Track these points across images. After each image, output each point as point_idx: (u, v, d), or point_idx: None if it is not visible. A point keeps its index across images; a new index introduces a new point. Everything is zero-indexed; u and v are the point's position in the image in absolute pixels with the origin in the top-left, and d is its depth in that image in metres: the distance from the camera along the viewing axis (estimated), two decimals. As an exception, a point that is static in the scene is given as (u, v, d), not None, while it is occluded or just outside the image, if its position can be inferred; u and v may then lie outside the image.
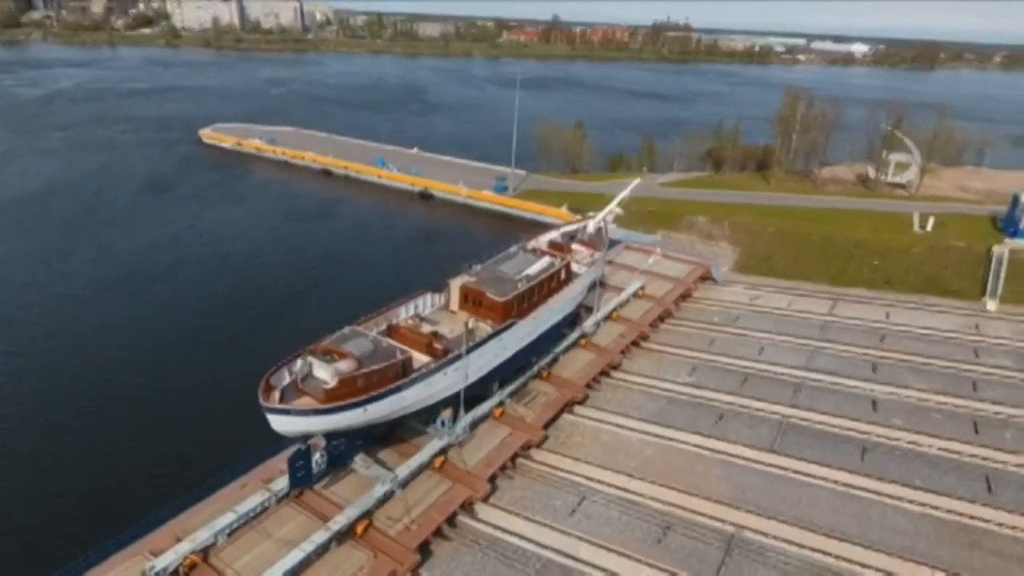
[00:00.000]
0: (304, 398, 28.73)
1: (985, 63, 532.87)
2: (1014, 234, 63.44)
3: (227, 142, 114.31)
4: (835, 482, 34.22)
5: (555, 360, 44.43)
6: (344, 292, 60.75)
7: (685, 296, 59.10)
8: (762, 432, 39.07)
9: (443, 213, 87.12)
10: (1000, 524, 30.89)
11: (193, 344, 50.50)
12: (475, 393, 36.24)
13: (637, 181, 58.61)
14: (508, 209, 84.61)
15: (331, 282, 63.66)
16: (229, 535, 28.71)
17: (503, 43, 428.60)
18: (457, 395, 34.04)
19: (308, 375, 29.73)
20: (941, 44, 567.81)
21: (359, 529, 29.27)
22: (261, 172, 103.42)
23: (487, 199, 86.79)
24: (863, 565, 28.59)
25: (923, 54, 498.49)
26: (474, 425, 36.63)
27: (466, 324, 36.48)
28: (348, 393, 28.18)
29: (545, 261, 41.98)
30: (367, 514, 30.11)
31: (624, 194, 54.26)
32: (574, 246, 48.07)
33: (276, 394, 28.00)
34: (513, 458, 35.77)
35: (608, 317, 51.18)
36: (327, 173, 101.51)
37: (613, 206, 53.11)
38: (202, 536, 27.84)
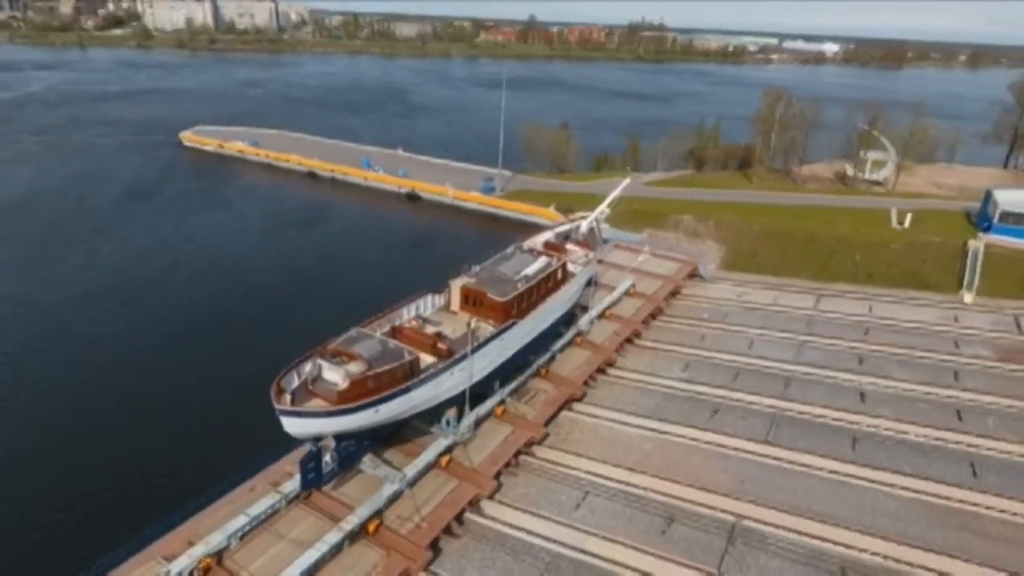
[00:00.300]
0: (315, 400, 29.06)
1: (950, 62, 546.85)
2: (988, 229, 65.66)
3: (209, 145, 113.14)
4: (829, 471, 35.38)
5: (552, 358, 45.18)
6: (339, 294, 60.81)
7: (675, 293, 60.26)
8: (756, 424, 40.18)
9: (431, 214, 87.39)
10: (986, 507, 32.29)
11: (188, 349, 50.22)
12: (478, 392, 36.80)
13: (627, 181, 59.61)
14: (496, 210, 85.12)
15: (325, 284, 63.64)
16: (241, 538, 28.92)
17: (481, 43, 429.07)
18: (462, 394, 34.58)
19: (318, 377, 30.04)
20: (908, 43, 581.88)
21: (371, 528, 29.68)
22: (246, 175, 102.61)
23: (474, 200, 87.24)
24: (860, 550, 29.69)
25: (891, 53, 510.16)
26: (477, 424, 37.19)
27: (468, 324, 37.19)
28: (359, 394, 28.59)
29: (542, 261, 42.66)
30: (377, 513, 30.52)
31: (615, 194, 55.21)
32: (568, 246, 48.85)
33: (287, 397, 28.29)
34: (516, 455, 36.41)
35: (602, 315, 52.09)
36: (312, 175, 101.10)
37: (605, 206, 53.98)
38: (215, 539, 28.02)
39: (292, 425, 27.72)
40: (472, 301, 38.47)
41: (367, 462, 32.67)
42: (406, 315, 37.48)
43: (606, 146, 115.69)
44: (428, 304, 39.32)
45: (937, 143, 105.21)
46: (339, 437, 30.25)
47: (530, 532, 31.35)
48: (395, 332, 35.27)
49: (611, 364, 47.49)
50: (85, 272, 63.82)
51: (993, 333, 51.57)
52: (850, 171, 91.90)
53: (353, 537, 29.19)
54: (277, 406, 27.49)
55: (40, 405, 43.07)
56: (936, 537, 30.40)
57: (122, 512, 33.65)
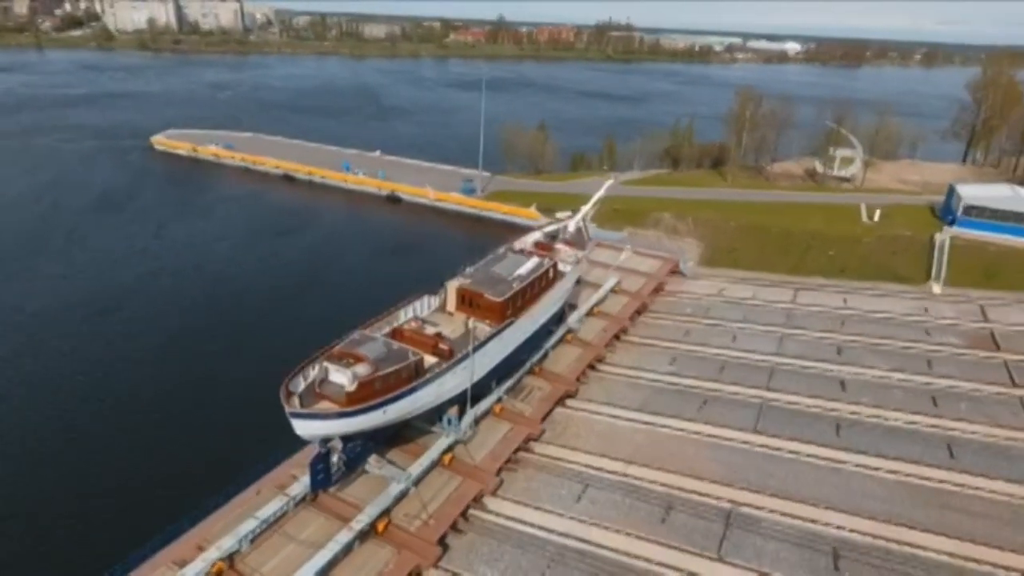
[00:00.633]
0: (323, 402, 29.44)
1: (907, 60, 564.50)
2: (952, 222, 68.68)
3: (182, 149, 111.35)
4: (816, 457, 36.89)
5: (545, 356, 46.04)
6: (328, 297, 60.96)
7: (658, 290, 61.70)
8: (744, 415, 41.58)
9: (413, 216, 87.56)
10: (964, 485, 34.11)
11: (178, 355, 49.89)
12: (477, 391, 37.44)
13: (610, 182, 60.81)
14: (477, 211, 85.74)
15: (313, 286, 63.49)
16: (251, 541, 29.15)
17: (450, 43, 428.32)
18: (463, 393, 35.21)
19: (324, 380, 30.40)
20: (867, 42, 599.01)
21: (380, 527, 30.14)
22: (222, 179, 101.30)
23: (456, 201, 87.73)
24: (850, 530, 31.18)
25: (851, 52, 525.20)
26: (476, 422, 37.88)
27: (467, 324, 37.92)
28: (368, 396, 29.06)
29: (534, 261, 43.48)
30: (385, 512, 30.98)
31: (600, 194, 56.33)
32: (557, 245, 49.78)
33: (296, 400, 28.64)
34: (516, 451, 37.16)
35: (589, 313, 53.18)
36: (290, 179, 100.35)
37: (590, 206, 55.08)
38: (227, 543, 28.21)
39: (303, 427, 28.08)
40: (468, 302, 39.11)
41: (372, 462, 33.11)
42: (404, 317, 37.96)
43: (580, 146, 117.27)
44: (424, 306, 39.84)
45: (900, 140, 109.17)
46: (346, 438, 30.65)
47: (534, 525, 32.14)
48: (395, 334, 35.73)
49: (601, 360, 48.56)
50: (63, 282, 62.42)
51: (961, 322, 54.03)
52: (820, 168, 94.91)
53: (363, 536, 29.63)
54: (287, 409, 27.82)
55: (25, 416, 42.38)
56: (920, 515, 32.05)
57: (124, 521, 33.55)
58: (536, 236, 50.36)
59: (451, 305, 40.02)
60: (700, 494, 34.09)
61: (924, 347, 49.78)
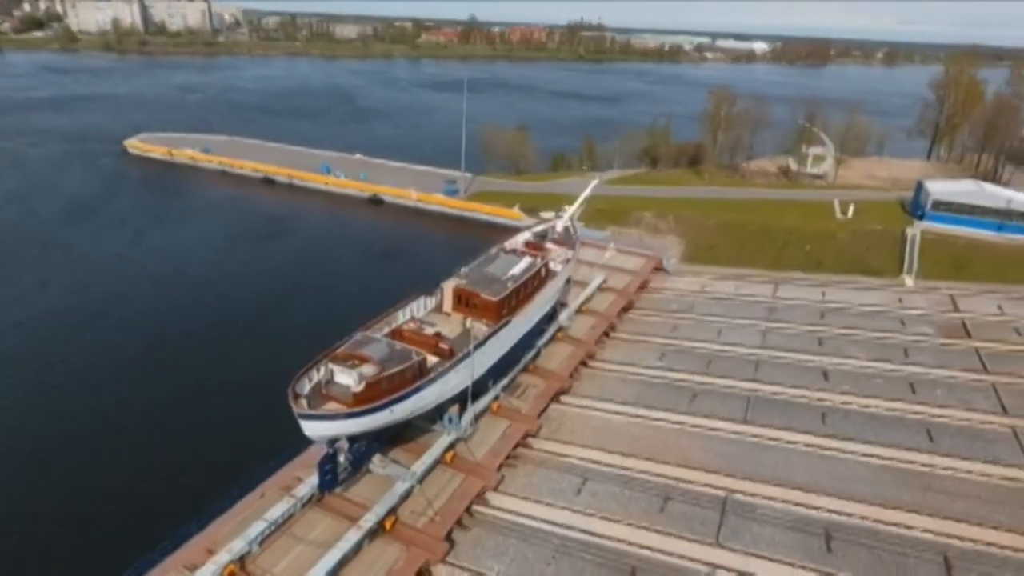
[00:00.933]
0: (330, 403, 29.82)
1: (869, 59, 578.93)
2: (921, 217, 71.36)
3: (157, 152, 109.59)
4: (804, 444, 38.30)
5: (538, 354, 46.84)
6: (319, 299, 61.00)
7: (643, 287, 62.97)
8: (733, 406, 42.87)
9: (396, 218, 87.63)
10: (944, 468, 35.79)
11: (170, 360, 49.56)
12: (476, 389, 38.04)
13: (596, 182, 61.88)
14: (460, 212, 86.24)
15: (301, 289, 63.46)
16: (261, 543, 29.40)
17: (423, 44, 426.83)
18: (464, 391, 35.81)
19: (330, 381, 30.75)
20: (831, 41, 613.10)
21: (388, 525, 30.62)
22: (199, 183, 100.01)
23: (439, 202, 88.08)
24: (839, 513, 32.56)
25: (816, 51, 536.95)
26: (475, 419, 38.48)
27: (465, 324, 38.57)
28: (375, 396, 29.53)
29: (527, 261, 44.25)
30: (392, 510, 31.47)
31: (586, 193, 57.33)
32: (548, 245, 50.58)
33: (303, 401, 28.97)
34: (515, 448, 37.90)
35: (579, 310, 54.15)
36: (269, 182, 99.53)
37: (577, 205, 56.03)
38: (238, 546, 28.44)
39: (312, 428, 28.43)
40: (465, 302, 39.69)
41: (376, 462, 33.52)
42: (402, 318, 38.43)
43: (556, 146, 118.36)
44: (421, 306, 40.34)
45: (868, 138, 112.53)
46: (351, 438, 31.05)
47: (537, 519, 32.89)
48: (395, 334, 36.17)
49: (592, 357, 49.53)
50: (44, 291, 61.26)
51: (933, 312, 56.28)
52: (793, 166, 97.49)
53: (372, 534, 30.08)
54: (296, 410, 28.15)
55: (20, 426, 41.83)
56: (904, 497, 33.59)
57: (128, 527, 33.51)
58: (526, 236, 51.12)
59: (447, 305, 40.56)
60: (696, 484, 35.20)
61: (900, 337, 51.78)
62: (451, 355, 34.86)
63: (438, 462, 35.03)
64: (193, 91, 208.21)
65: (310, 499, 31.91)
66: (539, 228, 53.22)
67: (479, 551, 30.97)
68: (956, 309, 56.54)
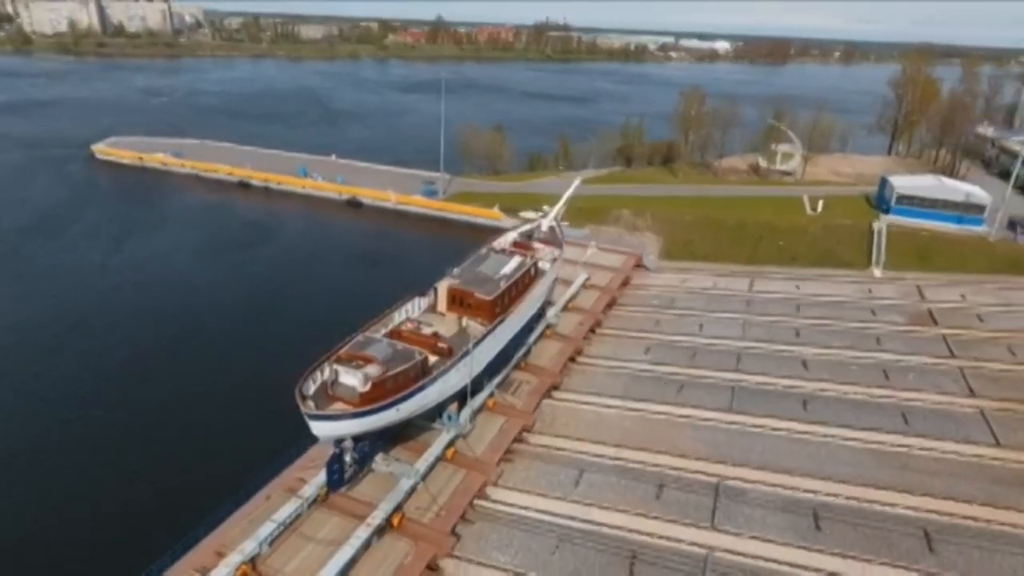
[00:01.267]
0: (336, 403, 30.30)
1: (827, 58, 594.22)
2: (887, 211, 74.43)
3: (127, 158, 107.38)
4: (788, 431, 40.00)
5: (528, 351, 47.79)
6: (305, 301, 61.14)
7: (625, 284, 64.42)
8: (718, 396, 44.44)
9: (375, 220, 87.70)
10: (919, 448, 37.87)
11: (158, 367, 49.17)
12: (473, 387, 38.79)
13: (578, 181, 62.99)
14: (440, 213, 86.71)
15: (286, 293, 63.32)
16: (271, 544, 29.77)
17: (390, 44, 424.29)
18: (464, 389, 36.58)
19: (335, 382, 31.20)
20: (790, 40, 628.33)
21: (395, 521, 31.22)
22: (172, 188, 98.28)
23: (418, 204, 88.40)
24: (825, 493, 34.23)
25: (777, 50, 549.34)
26: (473, 416, 39.25)
27: (461, 323, 39.37)
28: (381, 395, 30.13)
29: (517, 260, 45.16)
30: (398, 507, 32.07)
31: (569, 193, 58.50)
32: (535, 244, 51.55)
33: (311, 402, 29.42)
34: (512, 443, 38.79)
35: (565, 308, 55.28)
36: (245, 185, 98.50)
37: (561, 205, 57.19)
38: (249, 547, 28.74)
39: (321, 428, 28.91)
40: (459, 301, 40.43)
41: (379, 460, 34.07)
42: (398, 318, 39.00)
43: (530, 146, 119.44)
44: (415, 307, 40.94)
45: (832, 135, 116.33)
46: (357, 438, 31.58)
47: (539, 510, 33.82)
48: (393, 335, 36.73)
49: (580, 352, 50.69)
50: (20, 302, 59.74)
51: (901, 301, 58.94)
52: (763, 163, 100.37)
53: (380, 531, 30.67)
54: (304, 411, 28.60)
55: (13, 437, 41.22)
56: (884, 477, 35.47)
57: (132, 533, 33.49)
58: (513, 236, 52.00)
59: (442, 305, 41.24)
60: (689, 471, 36.56)
61: (872, 326, 54.15)
62: (450, 354, 35.60)
63: (439, 459, 35.71)
64: (157, 94, 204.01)
65: (316, 499, 32.32)
66: (525, 228, 54.15)
67: (484, 544, 31.78)
68: (922, 298, 59.28)
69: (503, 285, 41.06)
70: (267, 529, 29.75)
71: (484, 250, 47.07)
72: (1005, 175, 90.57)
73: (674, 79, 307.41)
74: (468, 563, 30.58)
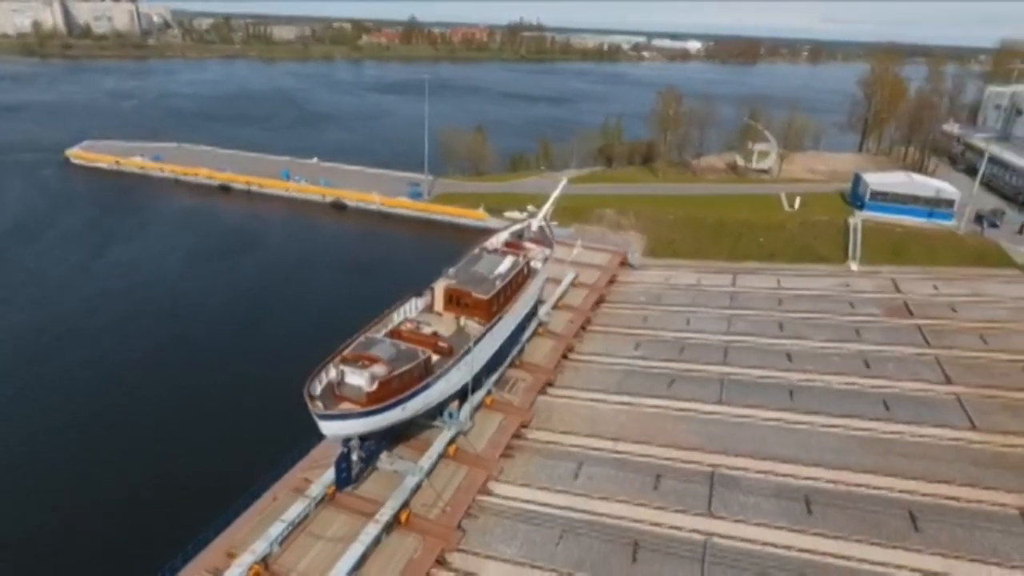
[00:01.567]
0: (344, 403, 30.79)
1: (796, 57, 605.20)
2: (861, 207, 76.88)
3: (104, 162, 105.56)
4: (776, 420, 41.44)
5: (522, 349, 48.65)
6: (296, 304, 60.89)
7: (611, 281, 65.62)
8: (708, 389, 45.75)
9: (361, 222, 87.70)
10: (901, 433, 39.59)
11: (151, 372, 48.95)
12: (472, 385, 39.52)
13: (565, 181, 63.90)
14: (426, 214, 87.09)
15: (276, 296, 63.10)
16: (280, 543, 30.18)
17: (364, 45, 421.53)
18: (464, 387, 37.29)
19: (341, 382, 31.69)
20: (760, 40, 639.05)
21: (402, 518, 31.83)
22: (152, 193, 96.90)
23: (403, 205, 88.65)
24: (814, 479, 35.69)
25: (747, 50, 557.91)
26: (472, 413, 39.98)
27: (459, 322, 40.07)
28: (387, 394, 30.70)
29: (510, 260, 45.90)
30: (405, 504, 32.70)
31: (556, 193, 59.42)
32: (526, 244, 52.39)
33: (319, 403, 29.89)
34: (511, 439, 39.61)
35: (555, 306, 56.29)
36: (226, 189, 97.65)
37: (550, 205, 58.11)
38: (260, 547, 29.13)
39: (331, 427, 29.40)
40: (456, 301, 41.09)
41: (384, 459, 34.70)
42: (397, 319, 39.54)
43: (511, 146, 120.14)
44: (413, 307, 41.50)
45: (806, 133, 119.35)
46: (363, 437, 32.13)
47: (541, 503, 34.71)
48: (393, 335, 37.27)
49: (571, 349, 51.70)
50: (4, 308, 58.94)
51: (878, 294, 61.04)
52: (740, 162, 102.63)
53: (389, 528, 31.26)
54: (314, 411, 29.05)
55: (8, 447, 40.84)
56: (869, 461, 37.05)
57: (137, 539, 33.58)
58: (504, 236, 52.79)
59: (439, 305, 41.86)
60: (684, 461, 37.76)
61: (851, 318, 56.09)
62: (450, 353, 36.28)
63: (442, 456, 36.37)
64: (127, 97, 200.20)
65: (322, 498, 32.77)
66: (516, 228, 54.97)
67: (489, 537, 32.55)
68: (898, 290, 61.47)
69: (499, 284, 41.80)
70: (277, 529, 30.15)
71: (477, 250, 47.77)
72: (970, 171, 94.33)
73: (648, 79, 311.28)
74: (475, 556, 31.32)
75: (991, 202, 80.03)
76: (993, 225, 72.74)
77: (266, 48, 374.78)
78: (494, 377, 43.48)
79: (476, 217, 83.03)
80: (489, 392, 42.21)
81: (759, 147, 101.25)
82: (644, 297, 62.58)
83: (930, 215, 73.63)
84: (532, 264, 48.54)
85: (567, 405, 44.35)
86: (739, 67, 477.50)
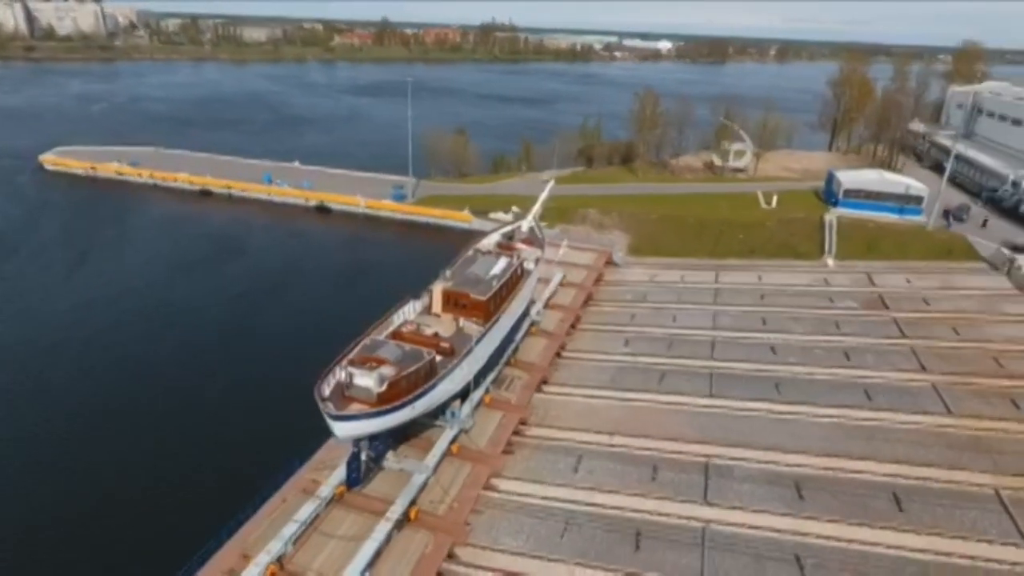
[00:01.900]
0: (354, 404, 31.50)
1: (763, 57, 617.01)
2: (835, 204, 79.54)
3: (79, 168, 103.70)
4: (765, 411, 43.09)
5: (517, 348, 49.70)
6: (290, 308, 61.06)
7: (598, 280, 66.97)
8: (698, 383, 47.28)
9: (346, 226, 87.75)
10: (882, 420, 41.58)
11: (145, 379, 48.83)
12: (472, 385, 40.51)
13: (552, 183, 65.13)
14: (411, 216, 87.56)
15: (268, 301, 62.92)
16: (293, 543, 30.78)
17: (336, 46, 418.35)
18: (466, 386, 38.21)
19: (350, 384, 32.35)
20: (729, 40, 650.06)
21: (412, 515, 32.65)
22: (130, 198, 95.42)
23: (387, 208, 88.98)
24: (804, 466, 37.37)
25: (716, 49, 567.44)
26: (472, 412, 40.90)
27: (457, 323, 40.96)
28: (396, 395, 31.48)
29: (504, 261, 46.89)
30: (413, 501, 33.53)
31: (545, 195, 60.59)
32: (518, 245, 53.38)
33: (330, 404, 30.56)
34: (512, 435, 40.64)
35: (546, 305, 57.43)
36: (207, 193, 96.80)
37: (539, 206, 59.20)
38: (275, 547, 29.69)
39: (343, 428, 30.06)
40: (454, 302, 41.92)
41: (391, 458, 35.46)
42: (397, 321, 40.26)
43: (491, 148, 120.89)
44: (411, 309, 42.22)
45: (779, 132, 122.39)
46: (373, 437, 32.86)
47: (544, 497, 35.76)
48: (396, 337, 37.99)
49: (564, 347, 52.86)
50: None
51: (855, 288, 63.42)
52: (717, 161, 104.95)
53: (399, 525, 32.06)
54: (325, 412, 29.72)
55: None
56: (854, 448, 38.86)
57: (143, 543, 33.83)
58: (496, 237, 53.72)
59: (437, 307, 42.65)
60: (679, 453, 39.15)
61: (830, 312, 58.24)
62: (452, 353, 37.15)
63: (446, 454, 37.26)
64: (96, 100, 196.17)
65: (332, 498, 33.42)
66: (507, 229, 55.91)
67: (495, 532, 33.49)
68: (873, 284, 63.93)
69: (495, 285, 42.75)
70: (290, 529, 30.73)
71: (471, 252, 48.65)
72: (936, 168, 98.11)
73: (621, 79, 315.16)
74: (483, 550, 32.24)
75: (957, 198, 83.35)
76: (959, 220, 75.87)
77: (236, 50, 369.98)
78: (492, 376, 44.42)
79: (461, 219, 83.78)
80: (487, 391, 43.14)
81: (735, 147, 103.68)
82: (631, 295, 64.07)
83: (901, 211, 76.52)
84: (525, 265, 49.59)
85: (563, 401, 45.50)
86: (709, 66, 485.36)
